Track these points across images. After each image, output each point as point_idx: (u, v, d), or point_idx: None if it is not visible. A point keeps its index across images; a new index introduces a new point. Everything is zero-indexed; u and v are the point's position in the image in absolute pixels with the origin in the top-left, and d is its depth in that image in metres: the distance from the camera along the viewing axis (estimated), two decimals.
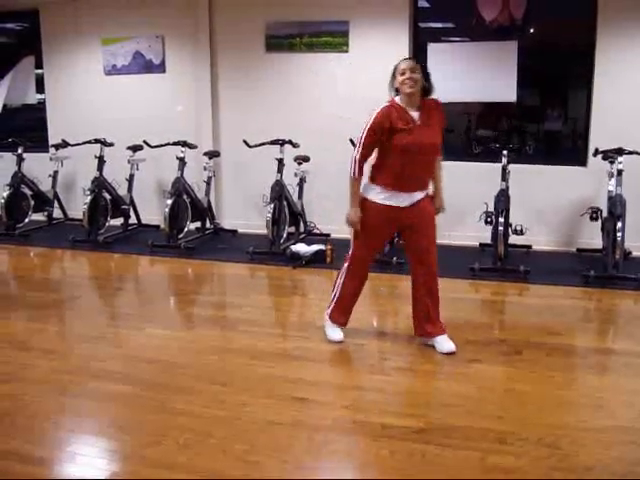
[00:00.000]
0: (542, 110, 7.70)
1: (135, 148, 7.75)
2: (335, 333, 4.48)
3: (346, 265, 4.42)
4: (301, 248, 6.68)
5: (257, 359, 4.21)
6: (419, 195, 4.16)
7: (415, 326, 4.40)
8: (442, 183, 4.40)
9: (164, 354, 4.31)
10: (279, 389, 3.77)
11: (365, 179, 4.20)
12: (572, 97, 7.59)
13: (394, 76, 4.10)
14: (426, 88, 4.12)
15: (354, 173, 4.12)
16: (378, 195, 4.14)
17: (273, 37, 7.69)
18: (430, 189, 4.29)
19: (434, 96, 4.21)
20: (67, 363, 4.20)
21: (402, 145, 4.00)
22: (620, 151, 6.18)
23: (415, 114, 4.05)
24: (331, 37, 7.52)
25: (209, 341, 4.57)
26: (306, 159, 7.21)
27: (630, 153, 6.17)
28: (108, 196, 7.70)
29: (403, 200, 4.12)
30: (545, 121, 7.64)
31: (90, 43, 8.30)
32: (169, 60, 8.12)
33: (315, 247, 6.66)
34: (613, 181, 6.17)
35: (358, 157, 4.10)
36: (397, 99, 4.11)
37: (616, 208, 5.96)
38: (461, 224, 7.23)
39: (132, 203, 7.99)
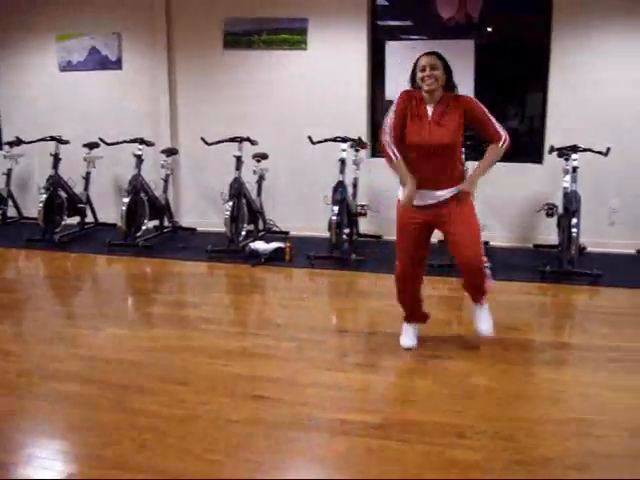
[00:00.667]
0: (499, 108, 7.75)
1: (91, 146, 7.64)
2: (405, 338, 4.38)
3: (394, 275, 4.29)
4: (260, 246, 6.65)
5: (216, 357, 4.19)
6: (441, 194, 3.94)
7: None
8: (482, 169, 4.00)
9: (123, 354, 4.27)
10: (238, 387, 3.75)
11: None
12: (529, 95, 7.67)
13: (414, 72, 3.90)
14: (449, 85, 3.93)
15: (391, 157, 3.92)
16: (401, 193, 4.03)
17: (231, 34, 7.65)
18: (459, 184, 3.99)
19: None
20: (23, 364, 4.12)
21: (413, 142, 3.88)
22: (575, 148, 6.27)
23: (430, 109, 3.90)
24: (289, 35, 7.50)
25: (168, 340, 4.53)
26: (265, 156, 7.18)
27: (584, 150, 6.26)
28: (64, 194, 7.56)
29: (422, 198, 3.94)
30: (502, 119, 7.70)
31: (45, 39, 8.15)
32: (126, 57, 8.02)
33: (274, 245, 6.65)
34: (568, 178, 6.26)
35: (388, 140, 3.91)
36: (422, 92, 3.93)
37: (571, 204, 6.05)
38: None
39: (89, 201, 7.87)
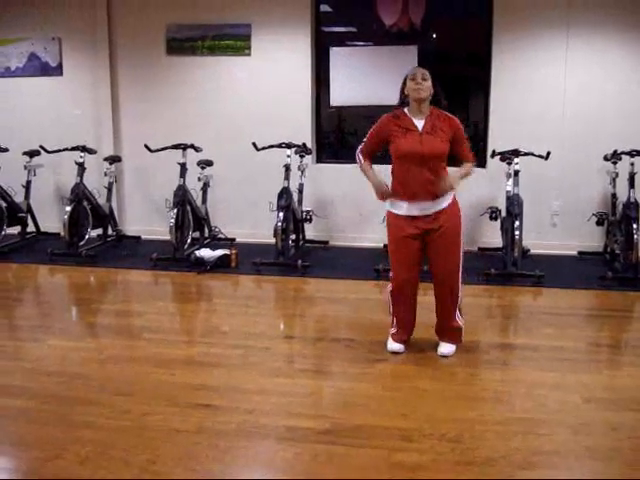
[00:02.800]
0: None
1: (32, 153, 7.48)
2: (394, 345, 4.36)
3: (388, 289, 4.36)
4: (205, 253, 6.59)
5: (161, 367, 4.12)
6: (431, 205, 4.07)
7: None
8: (464, 174, 4.18)
9: (65, 366, 4.17)
10: (183, 396, 3.70)
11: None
12: (472, 100, 7.78)
13: (405, 83, 4.09)
14: (437, 99, 4.13)
15: (359, 161, 4.25)
16: (393, 204, 4.17)
17: (174, 40, 7.58)
18: (450, 200, 4.14)
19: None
20: None
21: (401, 151, 4.05)
22: (516, 152, 6.39)
23: (419, 122, 4.06)
24: (233, 40, 7.47)
25: (112, 350, 4.45)
26: (209, 163, 7.13)
27: (526, 154, 6.38)
28: (3, 204, 7.40)
29: (413, 209, 4.08)
30: None
31: None
32: (66, 62, 7.88)
33: (220, 252, 6.60)
34: (510, 181, 6.36)
35: (361, 147, 4.25)
36: (405, 109, 4.12)
37: (514, 207, 6.15)
38: (366, 226, 7.31)
39: (29, 210, 7.70)
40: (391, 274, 4.29)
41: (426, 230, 4.10)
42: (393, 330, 4.36)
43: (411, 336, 4.42)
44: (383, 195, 4.13)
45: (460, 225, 4.20)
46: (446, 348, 4.29)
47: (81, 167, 7.14)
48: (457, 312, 4.30)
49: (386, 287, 4.42)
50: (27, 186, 7.64)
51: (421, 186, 4.04)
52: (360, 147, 4.27)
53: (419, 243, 4.16)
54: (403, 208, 4.12)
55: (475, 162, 4.29)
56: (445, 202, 4.10)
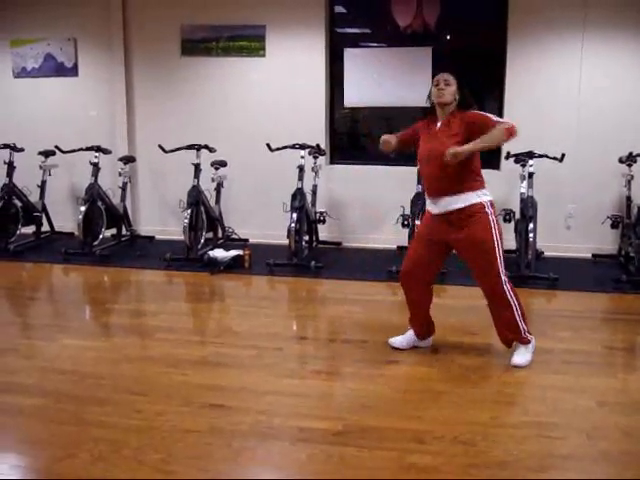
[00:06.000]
0: None
1: (47, 153, 7.53)
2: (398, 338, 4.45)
3: None
4: (219, 254, 6.61)
5: (174, 367, 4.13)
6: (449, 202, 4.02)
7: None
8: (473, 145, 3.82)
9: (79, 365, 4.19)
10: (196, 396, 3.71)
11: None
12: (486, 102, 7.74)
13: (432, 87, 4.12)
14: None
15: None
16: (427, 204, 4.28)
17: (189, 41, 7.60)
18: (472, 199, 4.02)
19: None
20: None
21: (419, 152, 4.17)
22: (531, 154, 6.36)
23: (439, 124, 4.08)
24: (247, 42, 7.49)
25: (125, 350, 4.46)
26: (223, 164, 7.15)
27: (540, 156, 6.36)
28: (19, 203, 7.45)
29: (433, 206, 4.14)
30: None
31: None
32: (82, 63, 7.92)
33: (233, 252, 6.61)
34: (525, 184, 6.34)
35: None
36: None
37: (528, 210, 6.13)
38: (379, 227, 7.31)
39: (44, 210, 7.75)
40: None
41: (445, 228, 4.09)
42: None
43: (425, 337, 4.43)
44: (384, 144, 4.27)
45: (488, 232, 4.06)
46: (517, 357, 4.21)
47: (96, 167, 7.18)
48: (510, 323, 4.17)
49: None
50: (42, 186, 7.69)
51: (434, 184, 4.09)
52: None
53: (438, 248, 4.18)
54: (428, 204, 4.24)
55: (501, 123, 3.83)
56: (462, 202, 4.00)
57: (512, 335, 4.20)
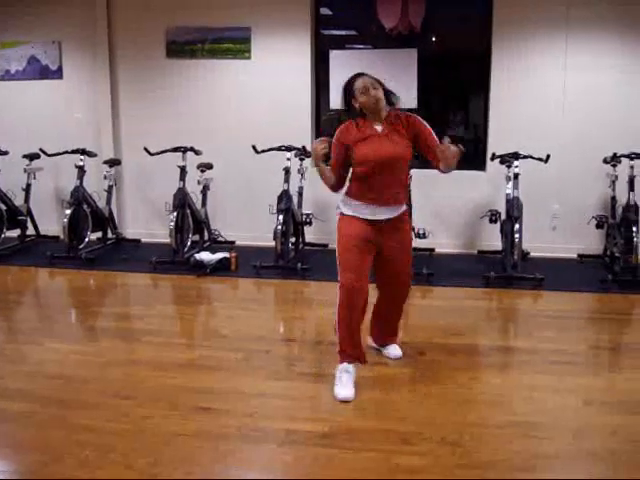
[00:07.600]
0: (443, 116, 7.86)
1: (32, 157, 7.49)
2: (343, 388, 3.81)
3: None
4: (205, 256, 6.60)
5: (161, 370, 4.12)
6: (387, 211, 3.88)
7: (374, 335, 4.38)
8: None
9: (65, 369, 4.17)
10: (183, 400, 3.69)
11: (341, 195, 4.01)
12: (472, 103, 7.78)
13: (352, 96, 3.84)
14: (389, 99, 3.88)
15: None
16: (349, 207, 3.92)
17: (174, 43, 7.59)
18: (404, 208, 3.97)
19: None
20: None
21: (365, 156, 3.81)
22: (516, 155, 6.39)
23: (379, 127, 3.86)
24: (233, 44, 7.48)
25: (112, 354, 4.44)
26: (209, 166, 7.14)
27: (525, 157, 6.38)
28: (3, 206, 7.40)
29: (369, 213, 3.86)
30: (447, 127, 7.78)
31: None
32: (66, 66, 7.89)
33: (219, 255, 6.60)
34: (510, 184, 6.36)
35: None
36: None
37: (513, 210, 6.16)
38: None
39: (29, 214, 7.71)
40: (340, 282, 3.93)
41: (378, 235, 3.90)
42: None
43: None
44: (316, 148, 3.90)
45: (409, 235, 4.13)
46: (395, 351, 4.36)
47: (81, 170, 7.15)
48: (398, 324, 4.36)
49: None
50: (27, 189, 7.64)
51: (379, 193, 3.84)
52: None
53: (372, 256, 3.96)
54: (359, 211, 3.89)
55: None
56: (402, 207, 3.95)
57: (395, 336, 4.36)
